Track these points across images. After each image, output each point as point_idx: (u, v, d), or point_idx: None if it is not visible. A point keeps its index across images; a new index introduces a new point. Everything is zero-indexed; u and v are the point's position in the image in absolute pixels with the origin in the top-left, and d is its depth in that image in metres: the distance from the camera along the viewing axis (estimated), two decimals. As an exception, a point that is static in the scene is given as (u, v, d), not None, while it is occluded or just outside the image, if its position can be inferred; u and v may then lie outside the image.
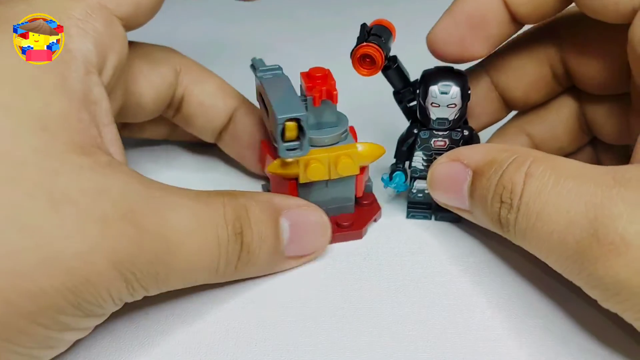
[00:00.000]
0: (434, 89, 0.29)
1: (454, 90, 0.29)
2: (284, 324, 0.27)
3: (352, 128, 0.32)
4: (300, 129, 0.28)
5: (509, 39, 0.32)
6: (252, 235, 0.26)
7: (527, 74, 0.32)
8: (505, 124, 0.35)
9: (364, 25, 0.30)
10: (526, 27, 0.31)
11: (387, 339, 0.26)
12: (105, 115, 0.25)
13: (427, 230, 0.33)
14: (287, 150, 0.28)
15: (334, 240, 0.31)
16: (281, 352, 0.26)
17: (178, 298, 0.28)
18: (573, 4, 0.27)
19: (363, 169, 0.32)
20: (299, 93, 0.30)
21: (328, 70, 0.30)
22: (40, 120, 0.22)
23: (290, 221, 0.28)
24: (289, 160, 0.29)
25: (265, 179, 0.35)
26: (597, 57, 0.30)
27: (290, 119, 0.27)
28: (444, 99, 0.29)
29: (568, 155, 0.34)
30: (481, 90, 0.33)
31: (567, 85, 0.32)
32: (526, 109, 0.34)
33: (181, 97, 0.35)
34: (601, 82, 0.30)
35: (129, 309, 0.28)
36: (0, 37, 0.23)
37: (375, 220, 0.34)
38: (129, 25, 0.28)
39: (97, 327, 0.26)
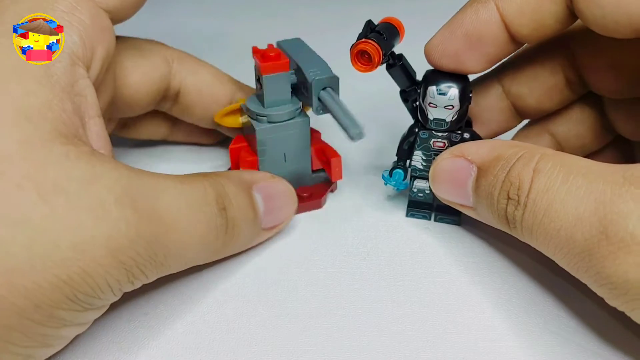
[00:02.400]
0: (432, 89, 0.29)
1: (453, 92, 0.29)
2: (284, 324, 0.27)
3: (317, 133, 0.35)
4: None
5: (522, 48, 0.31)
6: (234, 209, 0.27)
7: (540, 81, 0.32)
8: (527, 123, 0.35)
9: (369, 22, 0.30)
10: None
11: (387, 339, 0.26)
12: (91, 107, 0.25)
13: (427, 230, 0.33)
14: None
15: (297, 211, 0.33)
16: (281, 352, 0.26)
17: (178, 298, 0.28)
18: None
19: (318, 146, 0.34)
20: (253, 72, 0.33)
21: (279, 50, 0.33)
22: (23, 110, 0.21)
23: (262, 194, 0.29)
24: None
25: None
26: (610, 64, 0.29)
27: None
28: (441, 99, 0.29)
29: (592, 154, 0.34)
30: (492, 99, 0.33)
31: (581, 92, 0.32)
32: (538, 117, 0.34)
33: (178, 88, 0.35)
34: (617, 88, 0.30)
35: (128, 309, 0.28)
36: None
37: (332, 191, 0.36)
38: (115, 18, 0.28)
39: (96, 327, 0.26)
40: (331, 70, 0.31)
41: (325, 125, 0.36)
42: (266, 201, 0.30)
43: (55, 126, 0.22)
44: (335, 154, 0.34)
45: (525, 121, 0.35)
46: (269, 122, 0.32)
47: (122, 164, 0.23)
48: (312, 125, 0.34)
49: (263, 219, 0.30)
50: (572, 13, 0.27)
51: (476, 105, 0.33)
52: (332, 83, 0.30)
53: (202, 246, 0.26)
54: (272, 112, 0.32)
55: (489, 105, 0.33)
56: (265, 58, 0.32)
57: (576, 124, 0.33)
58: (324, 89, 0.31)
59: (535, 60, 0.32)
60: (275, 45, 0.34)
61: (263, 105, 0.33)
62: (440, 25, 0.30)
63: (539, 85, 0.32)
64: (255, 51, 0.33)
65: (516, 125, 0.35)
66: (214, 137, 0.40)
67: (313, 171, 0.35)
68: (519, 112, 0.33)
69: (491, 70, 0.33)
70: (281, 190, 0.31)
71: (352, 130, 0.28)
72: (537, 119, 0.34)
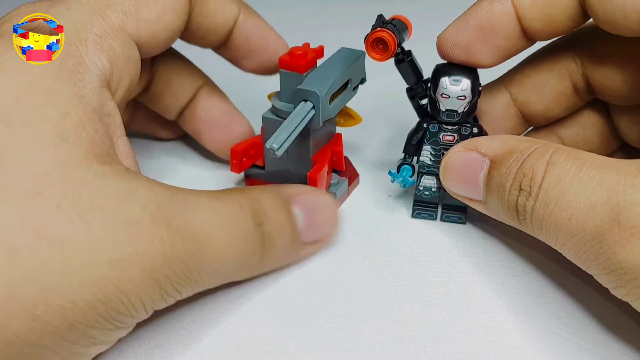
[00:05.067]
0: (445, 80, 0.29)
1: (465, 82, 0.29)
2: (284, 324, 0.27)
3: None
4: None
5: (530, 55, 0.32)
6: (270, 224, 0.27)
7: (548, 88, 0.32)
8: (535, 128, 0.35)
9: (380, 16, 0.30)
10: (538, 44, 0.31)
11: (387, 339, 0.26)
12: (118, 128, 0.25)
13: (427, 230, 0.33)
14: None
15: None
16: (281, 352, 0.26)
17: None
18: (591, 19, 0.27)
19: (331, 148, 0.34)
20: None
21: (308, 44, 0.33)
22: (60, 131, 0.22)
23: (302, 207, 0.28)
24: None
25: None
26: (617, 70, 0.30)
27: None
28: (454, 90, 0.29)
29: None
30: (500, 106, 0.33)
31: (588, 99, 0.32)
32: (545, 124, 0.34)
33: (152, 76, 0.35)
34: (623, 94, 0.30)
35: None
36: (14, 54, 0.23)
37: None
38: (144, 51, 0.28)
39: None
40: (320, 89, 0.30)
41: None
42: (307, 214, 0.28)
43: (89, 146, 0.22)
44: (320, 168, 0.33)
45: (531, 127, 0.35)
46: (277, 116, 0.32)
47: (156, 182, 0.23)
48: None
49: (303, 233, 0.29)
50: (583, 11, 0.27)
51: (484, 112, 0.33)
52: (312, 98, 0.30)
53: (237, 262, 0.26)
54: (282, 108, 0.32)
55: (497, 112, 0.33)
56: (291, 54, 0.32)
57: (584, 128, 0.33)
58: (305, 100, 0.30)
59: (543, 67, 0.32)
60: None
61: (279, 99, 0.33)
62: (444, 26, 0.30)
63: (547, 92, 0.32)
64: (296, 49, 0.33)
65: (523, 132, 0.35)
66: (173, 131, 0.40)
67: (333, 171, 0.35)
68: (527, 119, 0.33)
69: (499, 78, 0.33)
70: (323, 203, 0.30)
71: (271, 141, 0.28)
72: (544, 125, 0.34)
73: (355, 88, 0.33)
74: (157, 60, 0.34)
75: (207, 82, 0.37)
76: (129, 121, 0.39)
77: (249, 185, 0.35)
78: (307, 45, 0.33)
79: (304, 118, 0.30)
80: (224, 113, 0.37)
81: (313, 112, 0.30)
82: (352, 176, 0.36)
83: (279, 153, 0.28)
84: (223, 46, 0.34)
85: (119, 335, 0.23)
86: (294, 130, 0.29)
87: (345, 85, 0.32)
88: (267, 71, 0.36)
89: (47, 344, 0.20)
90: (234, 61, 0.36)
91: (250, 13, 0.34)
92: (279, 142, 0.28)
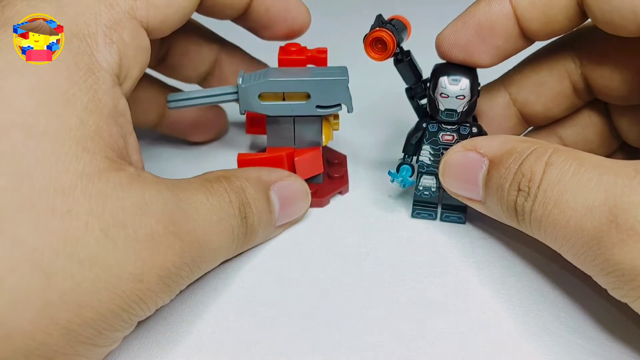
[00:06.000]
0: (444, 79, 0.29)
1: (464, 82, 0.29)
2: (284, 324, 0.27)
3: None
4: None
5: (529, 55, 0.32)
6: (254, 216, 0.29)
7: (547, 88, 0.32)
8: (535, 128, 0.35)
9: (379, 16, 0.30)
10: (537, 44, 0.31)
11: (387, 338, 0.26)
12: (129, 125, 0.25)
13: (427, 230, 0.33)
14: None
15: None
16: (281, 352, 0.26)
17: (178, 299, 0.28)
18: (589, 19, 0.27)
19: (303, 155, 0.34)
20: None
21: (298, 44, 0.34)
22: (80, 140, 0.22)
23: (279, 194, 0.31)
24: None
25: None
26: (616, 70, 0.30)
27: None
28: (453, 89, 0.29)
29: None
30: (499, 106, 0.33)
31: (588, 99, 0.32)
32: (545, 124, 0.34)
33: (167, 48, 0.35)
34: (622, 94, 0.30)
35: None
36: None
37: (341, 193, 0.36)
38: (152, 36, 0.27)
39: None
40: (246, 82, 0.31)
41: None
42: (282, 201, 0.31)
43: (106, 153, 0.23)
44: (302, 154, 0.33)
45: (531, 127, 0.35)
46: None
47: (162, 182, 0.24)
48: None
49: (277, 218, 0.31)
50: (581, 11, 0.27)
51: (483, 112, 0.33)
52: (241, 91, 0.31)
53: (224, 253, 0.28)
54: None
55: (496, 112, 0.33)
56: (285, 51, 0.33)
57: (584, 128, 0.33)
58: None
59: (542, 67, 0.32)
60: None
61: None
62: (443, 26, 0.30)
63: (546, 92, 0.32)
64: (290, 45, 0.33)
65: (522, 132, 0.35)
66: (205, 134, 0.40)
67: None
68: (526, 119, 0.33)
69: (498, 78, 0.33)
70: (296, 189, 0.32)
71: (173, 95, 0.32)
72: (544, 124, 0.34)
73: (328, 108, 0.32)
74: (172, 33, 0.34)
75: (225, 45, 0.37)
76: (157, 123, 0.38)
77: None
78: (304, 47, 0.33)
79: (218, 95, 0.32)
80: (249, 69, 0.37)
81: (233, 97, 0.32)
82: (340, 184, 0.36)
83: (169, 106, 0.32)
84: (241, 17, 0.34)
85: (130, 331, 0.24)
86: (199, 98, 0.33)
87: (306, 97, 0.32)
88: (287, 38, 0.35)
89: (79, 351, 0.21)
90: (253, 31, 0.35)
91: None
92: (176, 98, 0.32)
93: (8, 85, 0.22)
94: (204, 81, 0.38)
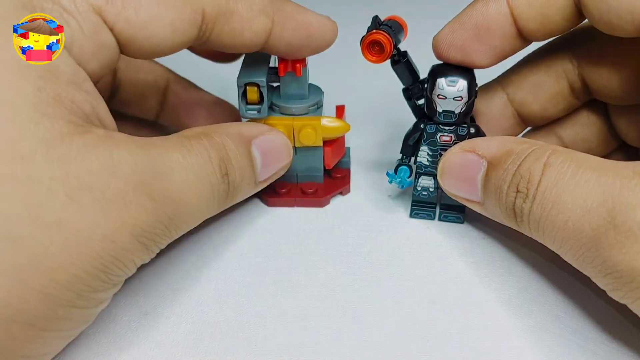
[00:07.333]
0: (442, 80, 0.29)
1: (462, 83, 0.29)
2: (284, 324, 0.27)
3: (342, 107, 0.35)
4: (260, 94, 0.32)
5: (526, 56, 0.32)
6: (235, 172, 0.28)
7: (544, 88, 0.32)
8: (534, 127, 0.35)
9: (375, 17, 0.30)
10: (535, 45, 0.31)
11: (387, 339, 0.26)
12: (95, 92, 0.25)
13: (427, 230, 0.33)
14: (248, 110, 0.32)
15: (296, 204, 0.35)
16: (281, 351, 0.26)
17: (178, 299, 0.28)
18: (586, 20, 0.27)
19: (331, 143, 0.34)
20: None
21: None
22: (37, 107, 0.22)
23: (260, 149, 0.30)
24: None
25: None
26: (613, 70, 0.30)
27: (251, 84, 0.31)
28: (450, 91, 0.29)
29: None
30: (497, 107, 0.33)
31: (585, 99, 0.32)
32: (542, 125, 0.34)
33: (118, 82, 0.35)
34: (619, 95, 0.30)
35: (128, 310, 0.28)
36: None
37: (342, 194, 0.36)
38: (125, 50, 0.26)
39: (95, 327, 0.26)
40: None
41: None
42: (263, 156, 0.30)
43: (69, 118, 0.22)
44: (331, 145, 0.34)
45: (529, 128, 0.35)
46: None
47: (132, 141, 0.24)
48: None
49: (259, 173, 0.30)
50: (578, 12, 0.27)
51: (481, 112, 0.33)
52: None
53: (205, 211, 0.28)
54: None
55: (494, 112, 0.33)
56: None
57: (583, 128, 0.34)
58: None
59: (539, 68, 0.32)
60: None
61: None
62: (440, 26, 0.30)
63: (544, 92, 0.32)
64: None
65: (520, 133, 0.35)
66: (206, 122, 0.39)
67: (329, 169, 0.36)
68: (523, 119, 0.33)
69: (495, 78, 0.33)
70: (278, 143, 0.32)
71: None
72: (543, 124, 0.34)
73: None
74: (117, 67, 0.35)
75: (172, 74, 0.37)
76: (158, 112, 0.38)
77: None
78: None
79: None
80: (203, 98, 0.38)
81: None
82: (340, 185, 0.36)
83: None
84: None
85: (115, 291, 0.24)
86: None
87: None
88: (313, 54, 0.33)
89: (61, 314, 0.22)
90: (278, 57, 0.33)
91: (287, 16, 0.30)
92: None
93: None
94: (161, 114, 0.38)
